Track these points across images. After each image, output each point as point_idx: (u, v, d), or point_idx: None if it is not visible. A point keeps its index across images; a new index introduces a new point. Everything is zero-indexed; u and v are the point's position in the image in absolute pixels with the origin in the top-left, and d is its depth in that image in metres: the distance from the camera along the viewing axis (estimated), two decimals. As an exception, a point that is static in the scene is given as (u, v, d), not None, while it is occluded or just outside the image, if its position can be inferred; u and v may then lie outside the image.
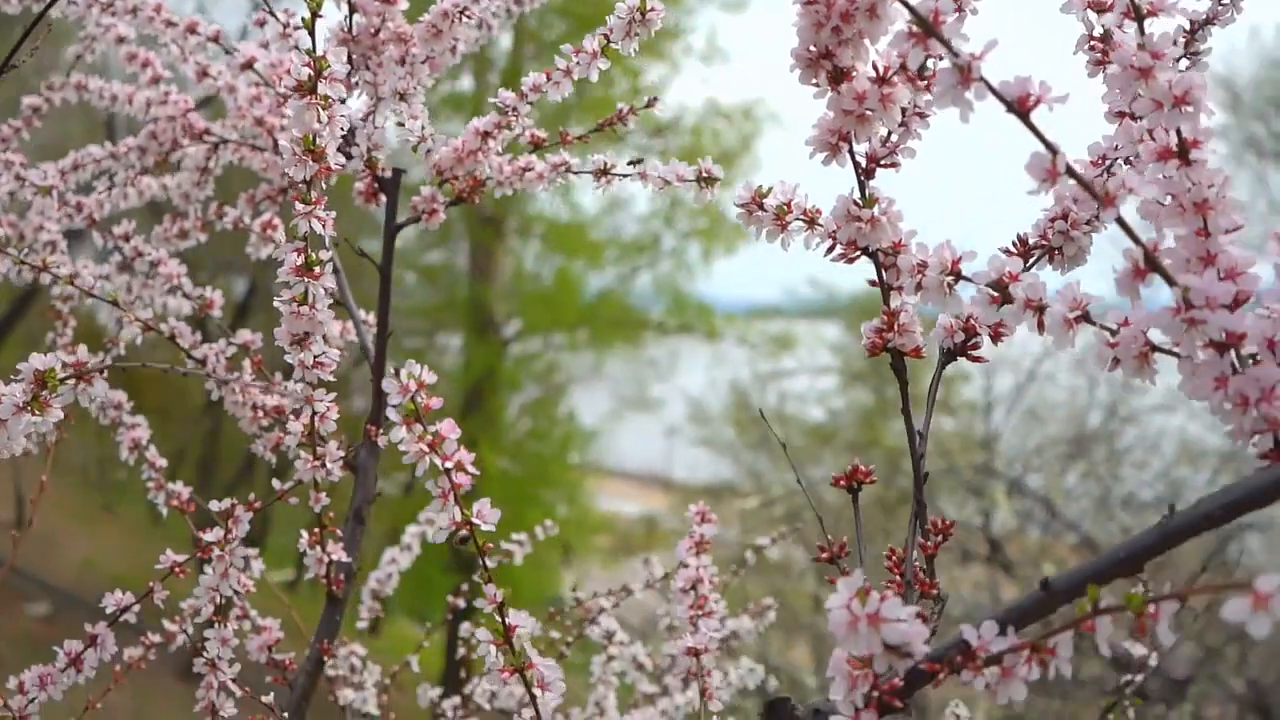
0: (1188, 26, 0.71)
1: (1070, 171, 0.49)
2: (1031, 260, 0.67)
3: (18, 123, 1.30)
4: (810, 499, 0.85)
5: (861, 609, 0.49)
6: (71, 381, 0.66)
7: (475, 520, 0.62)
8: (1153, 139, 0.54)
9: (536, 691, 0.63)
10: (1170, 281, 0.50)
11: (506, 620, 0.63)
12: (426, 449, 0.60)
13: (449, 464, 0.60)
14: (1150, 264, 0.50)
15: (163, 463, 1.08)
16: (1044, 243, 0.67)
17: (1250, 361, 0.51)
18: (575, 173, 0.94)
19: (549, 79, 0.89)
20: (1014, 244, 0.67)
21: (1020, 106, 0.49)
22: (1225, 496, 0.48)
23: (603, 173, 0.93)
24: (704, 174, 0.83)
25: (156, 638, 1.10)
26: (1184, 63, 0.70)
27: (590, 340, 12.40)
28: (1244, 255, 0.52)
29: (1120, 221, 0.50)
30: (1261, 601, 0.39)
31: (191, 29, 1.07)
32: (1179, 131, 0.52)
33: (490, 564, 0.65)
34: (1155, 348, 0.53)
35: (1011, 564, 5.82)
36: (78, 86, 1.26)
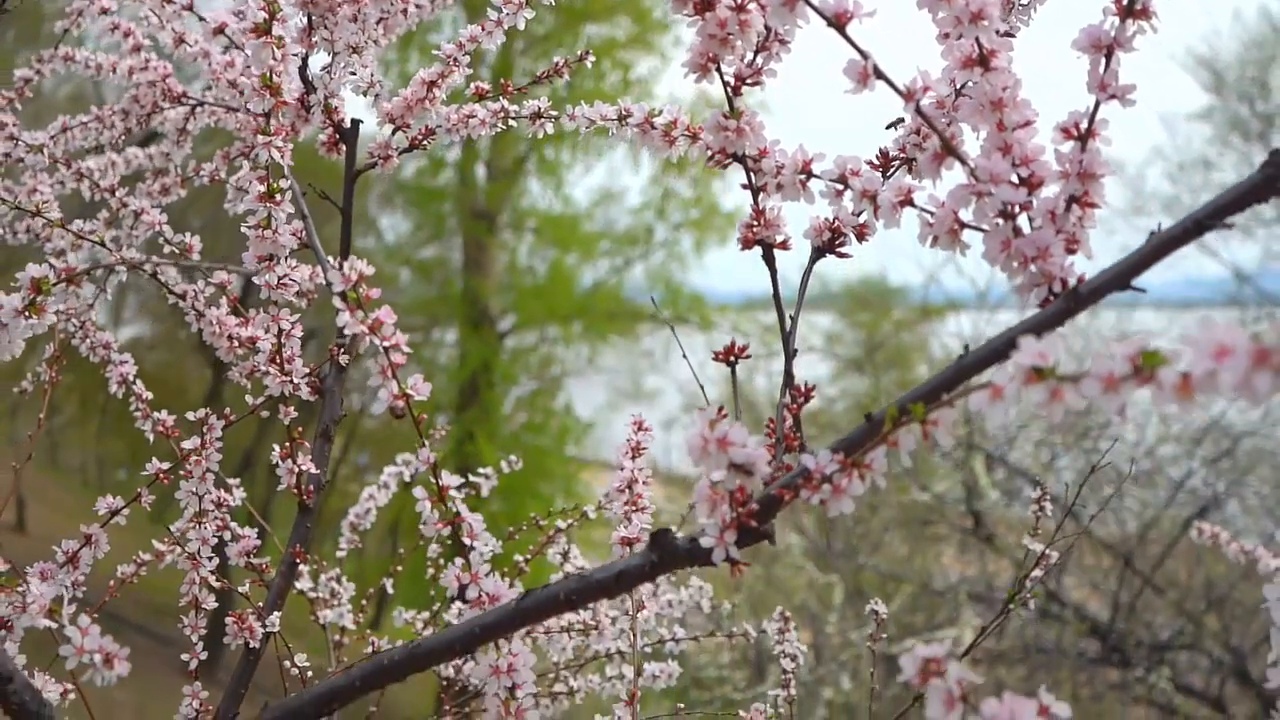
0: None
1: (878, 73, 0.60)
2: (893, 169, 0.78)
3: (10, 93, 1.40)
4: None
5: (712, 434, 0.59)
6: (63, 285, 0.76)
7: (411, 392, 0.72)
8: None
9: (467, 540, 0.73)
10: (963, 162, 0.61)
11: (440, 481, 0.74)
12: (367, 330, 0.71)
13: (387, 344, 0.71)
14: (947, 149, 0.61)
15: (149, 395, 1.18)
16: (902, 155, 0.77)
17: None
18: (513, 118, 1.05)
19: (484, 29, 1.00)
20: (877, 155, 0.78)
21: (838, 21, 0.60)
22: (1008, 334, 0.59)
23: (537, 116, 1.03)
24: (624, 113, 0.93)
25: (147, 555, 1.21)
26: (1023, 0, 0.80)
27: (585, 333, 12.50)
28: (1035, 145, 0.63)
29: (920, 113, 0.61)
30: (997, 393, 0.49)
31: (167, -1, 1.18)
32: (978, 42, 0.63)
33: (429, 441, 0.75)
34: (964, 224, 0.64)
35: (993, 536, 5.94)
36: (65, 58, 1.36)
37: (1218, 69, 9.57)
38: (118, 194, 1.20)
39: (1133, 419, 7.64)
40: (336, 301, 0.70)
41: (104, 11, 1.28)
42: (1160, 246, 0.56)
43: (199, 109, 1.27)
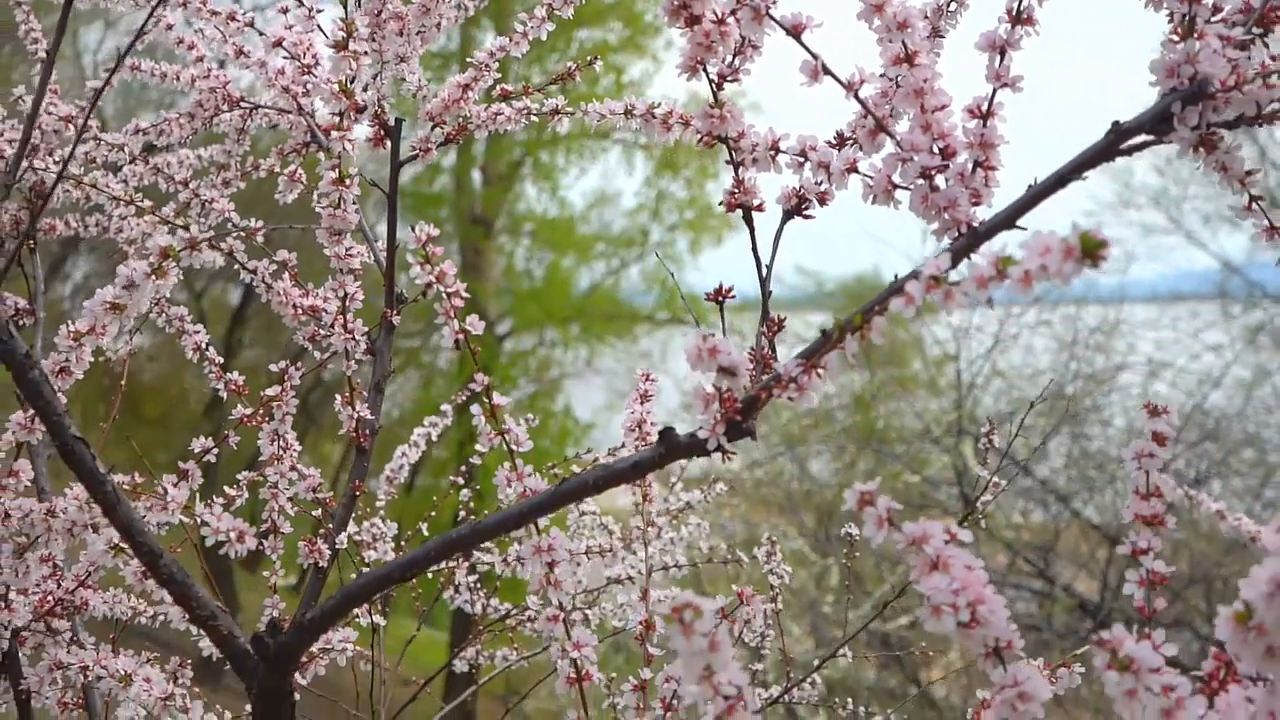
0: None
1: (826, 70, 0.79)
2: (847, 146, 0.96)
3: (83, 102, 1.59)
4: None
5: (705, 345, 0.78)
6: (188, 251, 0.95)
7: (468, 328, 0.91)
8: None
9: (513, 446, 0.92)
10: (892, 137, 0.80)
11: (493, 400, 0.93)
12: (434, 280, 0.90)
13: (450, 290, 0.90)
14: (879, 127, 0.80)
15: (220, 360, 1.37)
16: (853, 135, 0.96)
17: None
18: (535, 115, 1.24)
19: (511, 40, 1.19)
20: (835, 135, 0.97)
21: (795, 31, 0.79)
22: (923, 263, 0.78)
23: (555, 113, 1.22)
24: (629, 108, 1.12)
25: (221, 500, 1.39)
26: (953, 4, 0.99)
27: (582, 335, 12.68)
28: (950, 123, 0.82)
29: (859, 100, 0.80)
30: (909, 299, 0.68)
31: (231, 17, 1.37)
32: (904, 45, 0.82)
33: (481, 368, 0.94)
34: (895, 185, 0.83)
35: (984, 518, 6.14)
36: (132, 68, 1.55)
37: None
38: (190, 186, 1.39)
39: (1118, 404, 7.85)
40: (410, 257, 0.89)
41: (169, 27, 1.47)
42: (1036, 195, 0.75)
43: (255, 111, 1.46)
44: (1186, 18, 0.72)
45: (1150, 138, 0.73)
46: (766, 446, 8.58)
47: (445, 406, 1.75)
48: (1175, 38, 0.73)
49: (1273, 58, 0.73)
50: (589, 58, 1.26)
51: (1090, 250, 0.57)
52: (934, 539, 0.68)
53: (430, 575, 1.60)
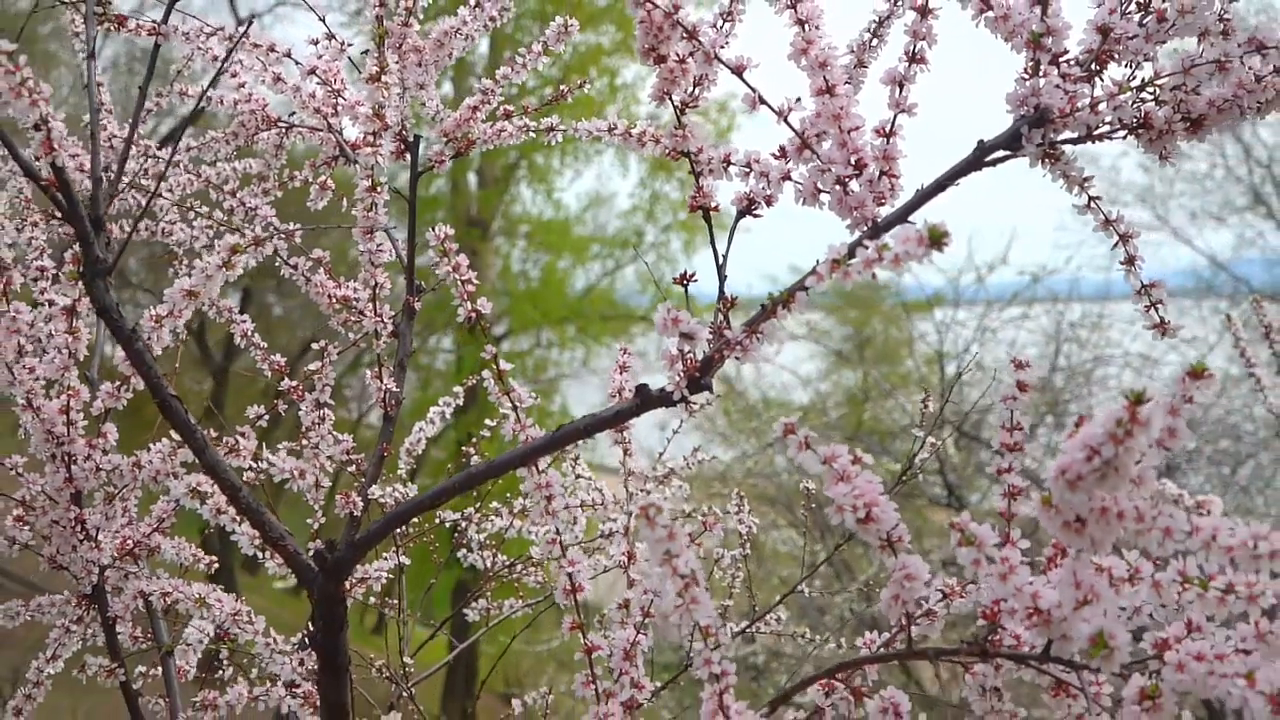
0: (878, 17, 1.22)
1: (762, 100, 1.01)
2: (789, 160, 1.18)
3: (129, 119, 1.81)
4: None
5: (669, 315, 1.00)
6: (252, 247, 1.17)
7: (479, 309, 1.13)
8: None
9: (517, 402, 1.14)
10: (814, 152, 1.02)
11: (499, 366, 1.15)
12: (452, 270, 1.12)
13: (463, 278, 1.12)
14: (804, 144, 1.02)
15: (264, 345, 1.59)
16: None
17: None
18: (533, 132, 1.46)
19: (513, 69, 1.41)
20: (779, 148, 1.19)
21: (738, 70, 1.01)
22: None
23: (550, 129, 1.44)
24: (610, 127, 1.34)
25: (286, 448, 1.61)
26: (874, 41, 1.21)
27: (578, 335, 12.89)
28: (862, 141, 1.04)
29: (787, 123, 1.02)
30: (819, 276, 0.90)
31: (271, 48, 1.58)
32: (825, 79, 1.04)
33: (490, 342, 1.16)
34: (819, 189, 1.05)
35: (966, 504, 6.38)
36: (180, 93, 1.76)
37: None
38: (238, 195, 1.60)
39: (1100, 397, 8.09)
40: (432, 253, 1.11)
41: (215, 59, 1.69)
42: (921, 197, 0.97)
43: (291, 130, 1.68)
44: (1032, 60, 0.94)
45: (1007, 152, 0.95)
46: (758, 440, 8.80)
47: (457, 389, 1.96)
48: (1025, 75, 0.95)
49: (1104, 89, 0.95)
50: (579, 81, 1.48)
51: (936, 239, 0.79)
52: (841, 458, 0.90)
53: (446, 525, 1.82)
